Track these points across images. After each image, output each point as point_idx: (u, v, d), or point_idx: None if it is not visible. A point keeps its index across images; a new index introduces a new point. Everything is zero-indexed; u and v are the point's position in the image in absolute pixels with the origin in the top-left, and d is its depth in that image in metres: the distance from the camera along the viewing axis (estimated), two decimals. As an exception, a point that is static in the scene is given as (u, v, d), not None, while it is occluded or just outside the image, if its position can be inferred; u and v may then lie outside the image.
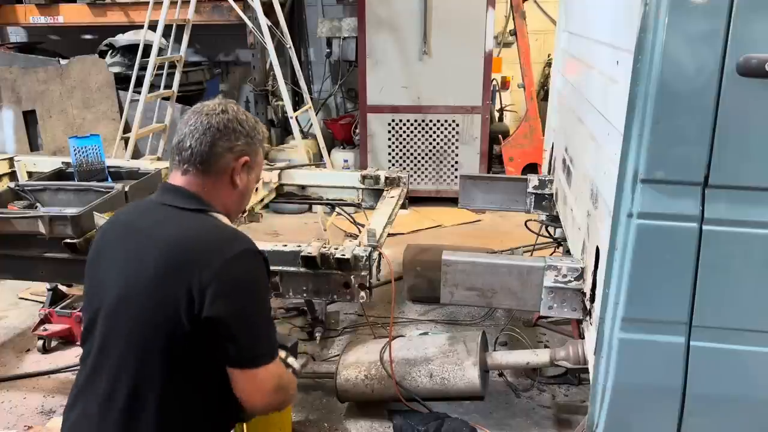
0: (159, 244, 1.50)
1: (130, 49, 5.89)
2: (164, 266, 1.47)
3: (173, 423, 1.52)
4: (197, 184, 1.60)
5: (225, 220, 1.64)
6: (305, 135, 6.09)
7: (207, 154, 1.58)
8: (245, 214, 3.11)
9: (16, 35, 7.51)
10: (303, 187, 3.65)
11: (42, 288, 3.81)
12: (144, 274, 1.48)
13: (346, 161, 6.23)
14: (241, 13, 4.91)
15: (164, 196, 1.62)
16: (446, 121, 5.73)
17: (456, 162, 5.83)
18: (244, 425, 2.36)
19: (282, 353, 1.67)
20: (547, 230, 3.50)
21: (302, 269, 2.41)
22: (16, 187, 3.00)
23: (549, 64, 6.28)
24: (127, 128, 5.04)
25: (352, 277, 2.39)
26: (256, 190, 3.35)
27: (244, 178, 1.66)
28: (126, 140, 4.84)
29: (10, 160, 3.61)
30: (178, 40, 5.01)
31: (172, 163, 1.63)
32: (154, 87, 5.06)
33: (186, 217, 1.57)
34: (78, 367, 1.64)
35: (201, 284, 1.43)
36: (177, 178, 1.62)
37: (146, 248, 1.51)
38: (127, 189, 2.85)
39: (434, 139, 5.80)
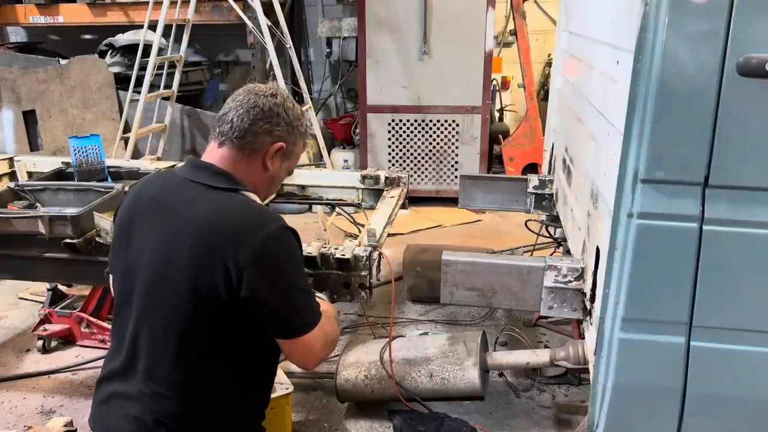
0: (195, 225, 1.53)
1: (130, 49, 5.88)
2: (202, 247, 1.50)
3: (213, 399, 1.58)
4: (230, 159, 1.63)
5: (255, 198, 1.66)
6: (305, 135, 6.08)
7: (245, 131, 1.62)
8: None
9: (16, 35, 7.51)
10: (303, 187, 3.65)
11: (42, 288, 3.81)
12: (182, 255, 1.51)
13: (346, 161, 6.23)
14: (241, 13, 4.91)
15: (194, 172, 1.63)
16: (446, 121, 5.73)
17: (456, 162, 5.83)
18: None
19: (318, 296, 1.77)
20: (547, 230, 3.50)
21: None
22: (16, 187, 3.00)
23: (549, 64, 6.28)
24: (127, 128, 5.04)
25: (352, 277, 2.39)
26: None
27: (276, 164, 1.68)
28: (126, 140, 4.84)
29: (10, 160, 3.61)
30: (178, 40, 5.02)
31: (212, 134, 1.67)
32: (154, 87, 5.06)
33: (218, 196, 1.58)
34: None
35: (238, 265, 1.46)
36: (212, 150, 1.65)
37: (182, 229, 1.54)
38: (127, 189, 2.85)
39: (434, 139, 5.80)
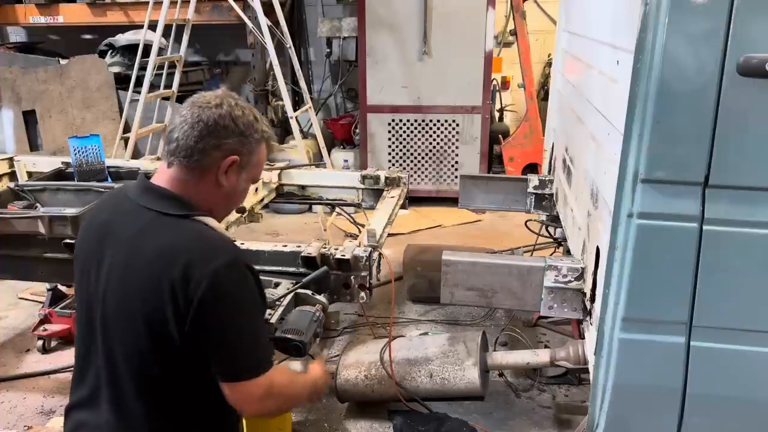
0: (144, 257, 1.45)
1: (129, 49, 5.89)
2: (152, 280, 1.42)
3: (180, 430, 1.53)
4: (180, 180, 1.52)
5: (212, 222, 1.55)
6: (305, 135, 6.09)
7: (192, 150, 1.49)
8: (245, 214, 3.11)
9: (16, 35, 7.51)
10: (303, 187, 3.65)
11: (42, 288, 3.81)
12: (133, 288, 1.44)
13: (346, 161, 6.23)
14: (241, 13, 4.91)
15: (145, 196, 1.53)
16: (446, 121, 5.73)
17: (456, 162, 5.83)
18: (244, 424, 2.36)
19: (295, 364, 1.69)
20: (547, 230, 3.50)
21: (302, 269, 2.41)
22: (16, 187, 3.01)
23: (549, 64, 6.27)
24: (126, 128, 5.03)
25: (352, 277, 2.39)
26: (256, 190, 3.34)
27: (232, 179, 1.55)
28: (126, 140, 4.83)
29: (10, 160, 3.61)
30: (178, 40, 5.01)
31: (162, 152, 1.59)
32: (154, 87, 5.06)
33: (168, 225, 1.48)
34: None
35: (186, 299, 1.39)
36: (163, 171, 1.54)
37: (132, 260, 1.46)
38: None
39: (434, 139, 5.80)
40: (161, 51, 4.99)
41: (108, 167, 3.35)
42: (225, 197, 1.59)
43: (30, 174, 3.57)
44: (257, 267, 2.38)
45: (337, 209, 4.08)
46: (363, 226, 3.29)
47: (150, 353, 1.45)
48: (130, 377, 1.48)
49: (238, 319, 1.46)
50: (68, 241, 2.49)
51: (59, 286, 3.57)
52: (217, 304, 1.41)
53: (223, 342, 1.45)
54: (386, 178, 3.43)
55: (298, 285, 2.31)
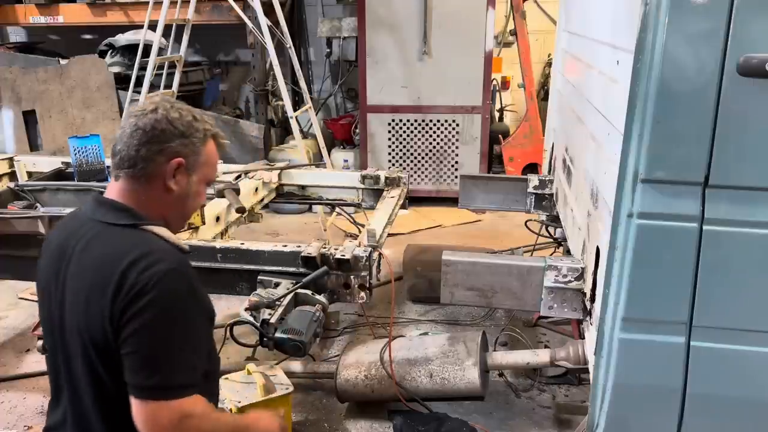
0: (88, 269, 1.43)
1: (130, 49, 5.89)
2: (93, 291, 1.39)
3: None
4: (129, 192, 1.50)
5: (163, 231, 1.51)
6: (305, 135, 6.09)
7: (135, 159, 1.47)
8: (245, 214, 3.11)
9: (16, 35, 7.51)
10: (303, 187, 3.65)
11: (42, 288, 3.80)
12: (82, 304, 1.42)
13: (346, 161, 6.23)
14: (241, 13, 4.91)
15: (96, 210, 1.51)
16: (446, 121, 5.73)
17: (456, 162, 5.83)
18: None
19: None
20: (547, 230, 3.50)
21: (302, 269, 2.41)
22: (16, 187, 3.01)
23: (549, 64, 6.27)
24: (127, 128, 5.02)
25: (352, 277, 2.39)
26: (256, 190, 3.34)
27: (182, 181, 1.52)
28: (126, 140, 4.83)
29: (10, 160, 3.62)
30: (178, 40, 5.01)
31: (110, 170, 1.56)
32: (154, 87, 5.06)
33: (113, 235, 1.46)
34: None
35: (120, 305, 1.36)
36: (112, 184, 1.53)
37: (79, 276, 1.44)
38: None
39: (434, 139, 5.80)
40: (161, 51, 4.99)
41: (108, 167, 3.35)
42: (177, 202, 1.55)
43: (30, 174, 3.57)
44: (257, 267, 2.43)
45: (337, 209, 4.08)
46: (363, 226, 3.29)
47: (104, 372, 1.42)
48: (91, 399, 1.46)
49: (163, 330, 1.37)
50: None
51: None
52: (144, 309, 1.35)
53: (139, 351, 1.36)
54: (386, 178, 3.43)
55: (298, 285, 2.31)
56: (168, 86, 5.09)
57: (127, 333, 1.36)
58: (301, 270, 2.41)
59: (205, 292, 1.52)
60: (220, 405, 2.30)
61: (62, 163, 3.40)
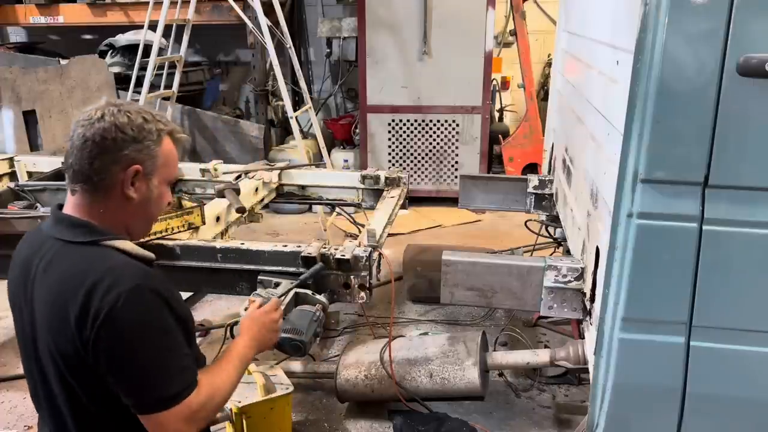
0: (49, 293, 1.40)
1: (130, 49, 5.89)
2: (59, 313, 1.36)
3: None
4: (87, 206, 1.46)
5: (124, 245, 1.47)
6: (305, 135, 6.09)
7: (89, 172, 1.42)
8: (245, 214, 3.11)
9: (16, 35, 7.51)
10: (303, 187, 3.65)
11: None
12: (47, 324, 1.41)
13: (346, 161, 6.23)
14: (241, 13, 4.91)
15: (55, 227, 1.47)
16: (446, 121, 5.73)
17: (456, 162, 5.83)
18: (244, 425, 2.36)
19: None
20: (547, 230, 3.50)
21: (302, 269, 2.41)
22: (16, 187, 3.01)
23: (549, 64, 6.28)
24: (127, 128, 5.02)
25: (352, 277, 2.39)
26: (257, 190, 3.35)
27: (142, 188, 1.47)
28: (126, 140, 4.83)
29: (10, 160, 3.62)
30: (178, 40, 5.02)
31: (66, 184, 1.49)
32: (154, 87, 5.06)
33: (73, 253, 1.42)
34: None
35: (88, 331, 1.33)
36: (69, 199, 1.48)
37: (41, 296, 1.42)
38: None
39: (434, 139, 5.80)
40: (161, 51, 5.00)
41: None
42: (139, 209, 1.50)
43: (30, 174, 3.57)
44: (257, 267, 2.43)
45: (337, 209, 4.08)
46: (363, 226, 3.29)
47: (80, 388, 1.41)
48: (70, 416, 1.45)
49: (141, 351, 1.36)
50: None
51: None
52: (116, 337, 1.33)
53: (126, 375, 1.36)
54: (386, 178, 3.43)
55: (296, 284, 2.32)
56: (168, 86, 5.10)
57: (107, 360, 1.34)
58: (302, 270, 2.41)
59: (177, 296, 1.49)
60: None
61: (62, 163, 3.39)
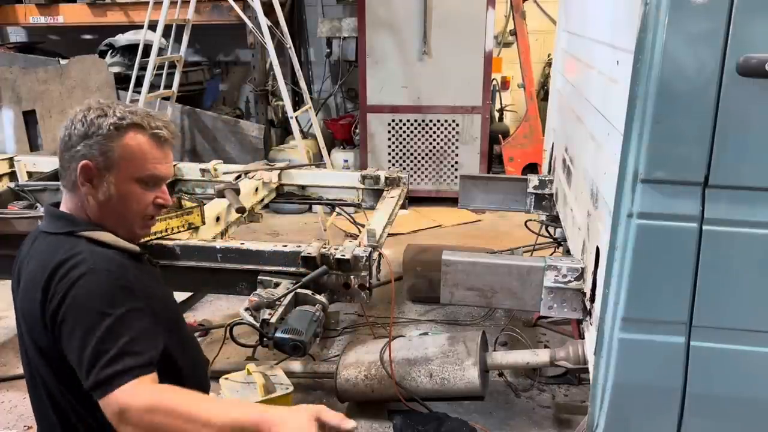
0: (25, 281, 1.45)
1: (130, 49, 5.89)
2: (31, 303, 1.39)
3: None
4: (67, 201, 1.54)
5: (101, 235, 1.47)
6: (305, 135, 6.09)
7: (62, 170, 1.51)
8: (245, 214, 3.11)
9: (16, 35, 7.51)
10: (303, 187, 3.65)
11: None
12: (25, 316, 1.44)
13: (346, 161, 6.23)
14: (241, 13, 4.91)
15: (44, 221, 1.55)
16: (446, 121, 5.73)
17: (456, 162, 5.83)
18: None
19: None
20: (547, 230, 3.50)
21: (302, 269, 2.41)
22: (16, 187, 3.01)
23: (549, 64, 6.28)
24: (127, 128, 5.02)
25: (352, 277, 2.40)
26: (256, 190, 3.35)
27: (98, 184, 1.46)
28: (126, 140, 4.82)
29: (10, 160, 3.62)
30: (178, 40, 5.02)
31: None
32: (154, 87, 5.06)
33: (48, 244, 1.46)
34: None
35: (49, 315, 1.36)
36: (62, 196, 1.57)
37: (21, 291, 1.47)
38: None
39: (434, 139, 5.80)
40: (161, 51, 5.00)
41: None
42: (105, 206, 1.49)
43: (30, 174, 3.57)
44: (257, 267, 2.43)
45: (337, 209, 4.08)
46: (363, 226, 3.29)
47: (57, 382, 1.42)
48: (50, 411, 1.47)
49: (84, 331, 1.32)
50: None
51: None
52: (66, 315, 1.34)
53: (77, 353, 1.33)
54: (386, 178, 3.43)
55: (298, 285, 2.32)
56: (168, 86, 5.10)
57: (63, 341, 1.35)
58: (301, 270, 2.41)
59: (146, 287, 1.46)
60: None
61: None
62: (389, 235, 2.87)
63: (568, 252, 2.96)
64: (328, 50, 6.30)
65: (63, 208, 1.54)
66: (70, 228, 1.47)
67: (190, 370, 1.60)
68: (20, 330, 1.51)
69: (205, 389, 1.69)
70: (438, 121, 5.74)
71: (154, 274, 1.63)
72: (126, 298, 1.38)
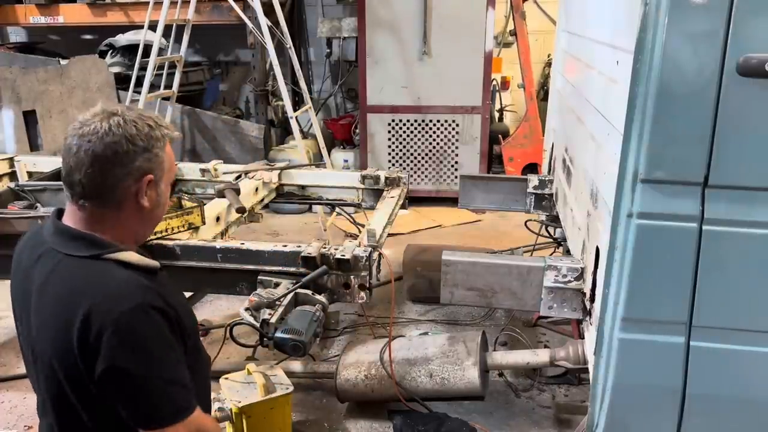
0: (49, 306, 1.40)
1: (130, 49, 5.89)
2: (57, 330, 1.36)
3: None
4: (94, 219, 1.44)
5: (128, 256, 1.45)
6: (305, 135, 6.09)
7: (101, 188, 1.40)
8: (245, 214, 3.11)
9: (16, 35, 7.51)
10: (303, 187, 3.65)
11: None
12: (47, 339, 1.40)
13: (346, 161, 6.23)
14: (241, 13, 4.91)
15: (56, 238, 1.45)
16: (446, 121, 5.73)
17: (456, 162, 5.83)
18: (245, 424, 2.36)
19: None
20: (547, 230, 3.50)
21: (302, 269, 2.41)
22: (16, 187, 3.00)
23: (549, 64, 6.28)
24: (127, 128, 5.02)
25: (352, 277, 2.39)
26: (256, 190, 3.35)
27: (152, 195, 1.47)
28: (126, 140, 4.82)
29: (10, 160, 3.62)
30: (178, 40, 5.02)
31: (66, 193, 1.45)
32: (154, 87, 5.07)
33: (72, 268, 1.41)
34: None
35: (90, 348, 1.33)
36: (73, 212, 1.45)
37: (42, 309, 1.42)
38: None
39: (434, 139, 5.80)
40: (161, 51, 5.00)
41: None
42: (150, 215, 1.51)
43: (30, 174, 3.57)
44: (257, 267, 2.43)
45: (337, 209, 4.08)
46: (363, 226, 3.29)
47: (77, 403, 1.41)
48: (57, 427, 1.46)
49: (143, 368, 1.35)
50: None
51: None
52: (120, 355, 1.33)
53: (128, 391, 1.36)
54: (386, 178, 3.43)
55: (298, 285, 2.31)
56: (168, 86, 5.10)
57: (110, 376, 1.34)
58: (301, 270, 2.41)
59: (179, 303, 1.49)
60: (220, 405, 2.31)
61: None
62: (389, 235, 2.87)
63: (568, 252, 2.96)
64: (328, 50, 6.30)
65: (79, 225, 1.45)
66: (94, 251, 1.42)
67: (199, 371, 1.62)
68: (30, 344, 1.49)
69: (208, 389, 1.71)
70: (438, 121, 5.74)
71: (170, 284, 1.62)
72: (169, 330, 1.40)
